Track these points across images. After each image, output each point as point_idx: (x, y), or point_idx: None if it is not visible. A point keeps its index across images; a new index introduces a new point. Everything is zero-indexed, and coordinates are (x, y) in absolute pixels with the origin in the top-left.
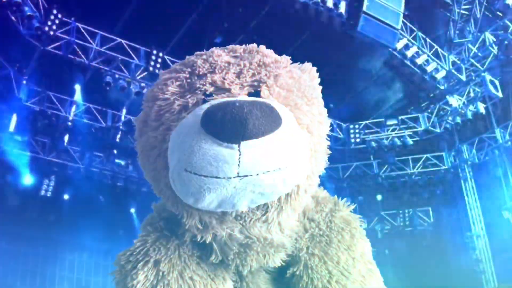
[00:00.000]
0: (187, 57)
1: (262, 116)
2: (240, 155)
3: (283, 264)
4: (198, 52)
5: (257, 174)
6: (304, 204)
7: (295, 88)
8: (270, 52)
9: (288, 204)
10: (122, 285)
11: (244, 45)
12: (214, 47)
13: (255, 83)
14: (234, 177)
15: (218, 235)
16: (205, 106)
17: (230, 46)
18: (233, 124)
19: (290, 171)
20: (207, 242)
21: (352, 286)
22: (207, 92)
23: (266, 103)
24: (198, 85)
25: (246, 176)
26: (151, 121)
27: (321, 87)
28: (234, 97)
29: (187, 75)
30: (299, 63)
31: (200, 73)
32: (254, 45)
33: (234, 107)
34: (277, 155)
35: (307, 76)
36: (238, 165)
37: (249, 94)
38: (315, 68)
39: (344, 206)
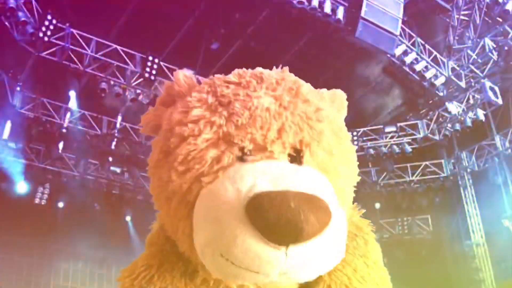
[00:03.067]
0: (217, 82)
1: (317, 221)
2: (286, 257)
3: None
4: (231, 80)
5: (299, 277)
6: None
7: (336, 148)
8: (310, 92)
9: None
10: None
11: (280, 76)
12: (252, 72)
13: (297, 145)
14: (274, 275)
15: (230, 286)
16: (247, 178)
17: (267, 78)
18: (286, 230)
19: (328, 267)
20: None
21: None
22: (245, 150)
23: (321, 203)
24: (235, 140)
25: (286, 273)
26: (177, 163)
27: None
28: (274, 159)
29: (223, 122)
30: (325, 89)
31: (239, 123)
32: (292, 78)
33: (290, 211)
34: (322, 258)
35: (338, 105)
36: (282, 266)
37: (290, 157)
38: (345, 97)
39: (355, 211)
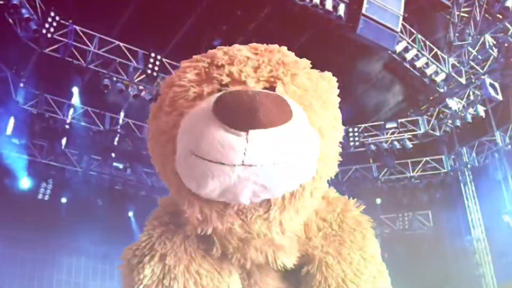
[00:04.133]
0: (209, 50)
1: (273, 107)
2: (247, 143)
3: (294, 264)
4: (220, 46)
5: (262, 165)
6: (309, 207)
7: (311, 89)
8: (291, 53)
9: (292, 204)
10: (129, 279)
11: (266, 45)
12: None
13: (272, 79)
14: (238, 165)
15: (218, 229)
16: (219, 94)
17: (253, 44)
18: (243, 111)
19: (296, 167)
20: (207, 234)
21: (365, 286)
22: (223, 83)
23: (279, 96)
24: (215, 75)
25: (251, 165)
26: (165, 106)
27: (339, 99)
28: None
29: (206, 65)
30: (319, 70)
31: (219, 64)
32: (276, 45)
33: (247, 96)
34: (284, 148)
35: (326, 83)
36: (244, 153)
37: (264, 89)
38: (335, 78)
39: (355, 206)
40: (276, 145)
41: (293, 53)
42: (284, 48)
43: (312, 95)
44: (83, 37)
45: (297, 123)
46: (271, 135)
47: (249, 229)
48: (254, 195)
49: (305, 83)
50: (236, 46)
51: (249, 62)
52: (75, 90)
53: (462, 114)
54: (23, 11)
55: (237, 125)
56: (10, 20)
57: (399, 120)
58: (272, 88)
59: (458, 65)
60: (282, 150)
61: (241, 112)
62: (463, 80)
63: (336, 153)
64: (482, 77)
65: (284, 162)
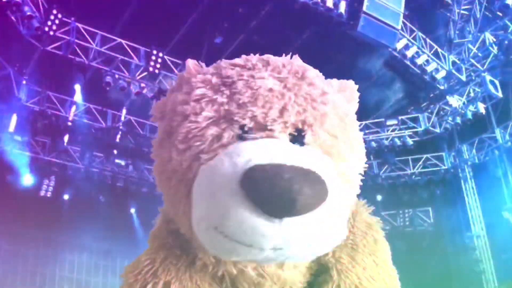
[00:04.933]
0: (223, 65)
1: (312, 195)
2: (280, 230)
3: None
4: (237, 62)
5: (291, 248)
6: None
7: (340, 132)
8: (317, 76)
9: None
10: None
11: (287, 61)
12: (260, 57)
13: (299, 124)
14: (268, 250)
15: (231, 272)
16: (245, 152)
17: (273, 61)
18: (280, 201)
19: (324, 245)
20: (218, 275)
21: None
22: (245, 128)
23: (316, 177)
24: (236, 118)
25: (280, 249)
26: (178, 141)
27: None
28: (275, 136)
29: (225, 100)
30: (335, 79)
31: (240, 101)
32: (299, 63)
33: (284, 182)
34: (316, 233)
35: (347, 96)
36: (275, 239)
37: (291, 136)
38: (356, 87)
39: (364, 207)
40: (310, 231)
41: (318, 73)
42: (310, 71)
43: (342, 140)
44: (85, 34)
45: (331, 201)
46: (305, 221)
47: (262, 272)
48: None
49: (334, 126)
50: (257, 70)
51: (274, 101)
52: (77, 87)
53: (463, 111)
54: (26, 9)
55: (272, 213)
56: (12, 18)
57: (400, 117)
58: (300, 137)
59: (458, 62)
60: (315, 236)
61: (278, 201)
62: (463, 77)
63: (356, 197)
64: (482, 74)
65: (315, 245)
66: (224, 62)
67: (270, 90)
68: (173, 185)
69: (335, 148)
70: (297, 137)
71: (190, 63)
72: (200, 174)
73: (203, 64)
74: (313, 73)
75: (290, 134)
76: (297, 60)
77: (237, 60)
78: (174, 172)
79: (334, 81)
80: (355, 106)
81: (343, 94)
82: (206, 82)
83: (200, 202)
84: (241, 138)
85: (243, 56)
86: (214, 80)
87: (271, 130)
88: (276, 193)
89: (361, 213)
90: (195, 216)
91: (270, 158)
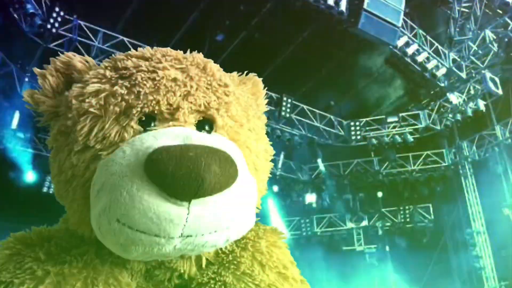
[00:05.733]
0: (118, 57)
1: (221, 173)
2: (188, 214)
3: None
4: (133, 53)
5: (202, 235)
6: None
7: (245, 121)
8: (217, 71)
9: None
10: None
11: (187, 54)
12: (156, 48)
13: (205, 111)
14: (176, 237)
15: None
16: (147, 140)
17: (174, 53)
18: (187, 180)
19: (237, 230)
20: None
21: None
22: (149, 122)
23: (225, 155)
24: (138, 109)
25: (190, 236)
26: (75, 142)
27: (266, 108)
28: (181, 125)
29: (124, 92)
30: (237, 72)
31: (141, 93)
32: (200, 56)
33: (190, 160)
34: (228, 215)
35: (250, 88)
36: (184, 225)
37: (198, 123)
38: (260, 80)
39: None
40: (220, 213)
41: (219, 68)
42: (210, 63)
43: (247, 128)
44: (88, 32)
45: (241, 182)
46: (215, 202)
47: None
48: (183, 255)
49: (239, 114)
50: (158, 60)
51: (177, 89)
52: None
53: (463, 108)
54: (28, 6)
55: (178, 195)
56: (15, 15)
57: (400, 114)
58: (207, 124)
59: (458, 59)
60: (226, 217)
61: (184, 181)
62: (463, 75)
63: (265, 185)
64: (483, 71)
65: (226, 228)
66: (118, 54)
67: (174, 79)
68: (71, 188)
69: (241, 136)
70: (203, 124)
71: (76, 60)
72: (99, 169)
73: (91, 60)
74: (215, 66)
75: (196, 123)
76: (198, 54)
77: (133, 51)
78: (73, 177)
79: (235, 74)
80: (262, 100)
81: (245, 87)
82: (101, 76)
83: (100, 197)
84: (145, 131)
85: (139, 49)
86: (109, 73)
87: (175, 119)
88: (182, 173)
89: (264, 230)
90: (95, 214)
91: (175, 140)
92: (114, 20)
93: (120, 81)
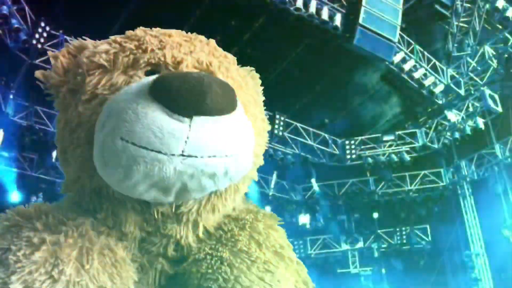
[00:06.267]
0: (129, 31)
1: (222, 94)
2: (189, 131)
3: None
4: (143, 28)
5: (202, 157)
6: (229, 206)
7: (244, 86)
8: (219, 48)
9: (210, 202)
10: None
11: (194, 34)
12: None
13: (206, 67)
14: (177, 155)
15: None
16: (153, 77)
17: (179, 30)
18: (189, 94)
19: (236, 161)
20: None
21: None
22: (155, 68)
23: (226, 82)
24: (144, 60)
25: (190, 156)
26: (83, 93)
27: (263, 98)
28: None
29: (133, 48)
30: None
31: (148, 48)
32: (203, 37)
33: (193, 77)
34: (228, 140)
35: (252, 81)
36: (186, 141)
37: None
38: (257, 75)
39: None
40: (220, 136)
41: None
42: (213, 41)
43: (245, 92)
44: None
45: (241, 114)
46: (216, 124)
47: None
48: (182, 192)
49: (238, 78)
50: (164, 30)
51: (181, 49)
52: None
53: (461, 126)
54: (13, 21)
55: (181, 110)
56: None
57: (397, 133)
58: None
59: (457, 76)
60: (226, 142)
61: (187, 95)
62: (462, 92)
63: (262, 155)
64: (482, 88)
65: (225, 155)
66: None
67: (179, 43)
68: (76, 136)
69: (240, 96)
70: None
71: (88, 43)
72: (106, 105)
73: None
74: (217, 46)
75: None
76: (200, 35)
77: (141, 27)
78: (79, 124)
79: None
80: (261, 92)
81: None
82: (111, 41)
83: (105, 125)
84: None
85: None
86: (119, 39)
87: (180, 68)
88: (185, 88)
89: (263, 215)
90: (99, 141)
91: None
92: (102, 35)
93: (129, 41)
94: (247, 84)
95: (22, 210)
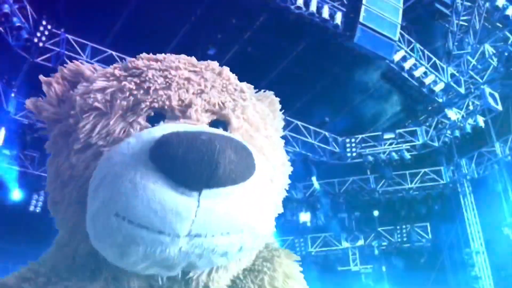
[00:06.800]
0: (130, 60)
1: (236, 160)
2: (198, 207)
3: None
4: (145, 56)
5: (213, 236)
6: (244, 265)
7: (262, 127)
8: (234, 77)
9: (222, 266)
10: None
11: (205, 62)
12: (168, 54)
13: (219, 111)
14: (183, 236)
15: None
16: (156, 130)
17: (188, 58)
18: (198, 165)
19: (253, 235)
20: None
21: None
22: (157, 113)
23: (240, 142)
24: (146, 104)
25: (199, 236)
26: (76, 140)
27: (283, 123)
28: (194, 124)
29: (133, 87)
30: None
31: (151, 88)
32: (216, 63)
33: (202, 142)
34: (243, 213)
35: (268, 111)
36: (193, 220)
37: (211, 123)
38: (277, 99)
39: (288, 256)
40: (235, 210)
41: (235, 77)
42: (226, 70)
43: (263, 134)
44: (76, 46)
45: (260, 178)
46: (229, 196)
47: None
48: (190, 266)
49: (255, 118)
50: (170, 60)
51: (190, 87)
52: None
53: (461, 125)
54: (14, 19)
55: (188, 182)
56: (1, 28)
57: (397, 131)
58: (223, 123)
59: (457, 74)
60: (242, 216)
61: (196, 166)
62: (462, 90)
63: (283, 197)
64: (482, 87)
65: (239, 231)
66: (128, 59)
67: (187, 79)
68: (68, 191)
69: (257, 141)
70: (217, 125)
71: (84, 67)
72: (100, 163)
73: (100, 68)
74: (231, 74)
75: (209, 123)
76: (213, 62)
77: (144, 54)
78: (71, 179)
79: (251, 87)
80: (278, 116)
81: (262, 104)
82: (108, 74)
83: (98, 193)
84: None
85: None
86: (118, 72)
87: (187, 117)
88: (192, 157)
89: (280, 261)
90: (92, 212)
91: (186, 128)
92: (103, 34)
93: (129, 78)
94: (265, 122)
95: (24, 276)
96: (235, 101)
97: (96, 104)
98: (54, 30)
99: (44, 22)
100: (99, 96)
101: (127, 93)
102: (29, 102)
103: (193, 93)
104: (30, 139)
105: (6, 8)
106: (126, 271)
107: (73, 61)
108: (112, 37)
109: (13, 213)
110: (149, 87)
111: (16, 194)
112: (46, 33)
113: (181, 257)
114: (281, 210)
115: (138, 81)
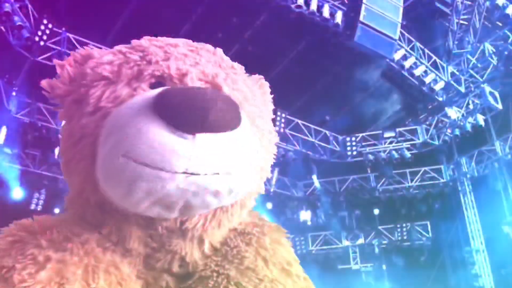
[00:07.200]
0: (133, 41)
1: (226, 110)
2: (193, 148)
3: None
4: (147, 37)
5: (205, 174)
6: (235, 221)
7: (250, 97)
8: (226, 57)
9: (215, 218)
10: None
11: (201, 43)
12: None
13: (213, 79)
14: (180, 173)
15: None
16: (157, 90)
17: (185, 40)
18: (193, 110)
19: (239, 179)
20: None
21: None
22: (158, 81)
23: (229, 97)
24: (148, 72)
25: (193, 174)
26: (87, 105)
27: (273, 107)
28: None
29: (138, 59)
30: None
31: (153, 60)
32: (210, 46)
33: (195, 93)
34: (230, 158)
35: (259, 92)
36: (189, 159)
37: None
38: (267, 83)
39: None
40: (223, 153)
41: (228, 58)
42: (220, 51)
43: (252, 104)
44: (76, 45)
45: (245, 130)
46: (219, 140)
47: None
48: (186, 209)
49: (245, 90)
50: (169, 40)
51: (186, 60)
52: None
53: (461, 123)
54: (16, 18)
55: (184, 126)
56: (2, 27)
57: (397, 129)
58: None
59: (457, 73)
60: (229, 159)
61: (190, 111)
62: (462, 89)
63: (269, 169)
64: (482, 85)
65: (228, 173)
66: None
67: (184, 54)
68: (80, 147)
69: (246, 108)
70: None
71: (95, 51)
72: (110, 117)
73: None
74: (224, 54)
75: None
76: (207, 44)
77: (146, 36)
78: (83, 137)
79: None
80: (269, 98)
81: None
82: (115, 51)
83: (108, 140)
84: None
85: None
86: (124, 49)
87: (184, 84)
88: (188, 104)
89: (270, 229)
90: (102, 156)
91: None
92: (104, 33)
93: (134, 52)
94: (254, 95)
95: (26, 225)
96: (227, 74)
97: (104, 73)
98: (55, 29)
99: (45, 21)
100: (107, 67)
101: (132, 64)
102: (44, 82)
103: (190, 64)
104: (31, 137)
105: (7, 7)
106: (129, 222)
107: (84, 46)
108: (113, 35)
109: (14, 212)
110: (150, 59)
111: (17, 193)
112: (47, 32)
113: (178, 194)
114: (269, 175)
115: (141, 55)
